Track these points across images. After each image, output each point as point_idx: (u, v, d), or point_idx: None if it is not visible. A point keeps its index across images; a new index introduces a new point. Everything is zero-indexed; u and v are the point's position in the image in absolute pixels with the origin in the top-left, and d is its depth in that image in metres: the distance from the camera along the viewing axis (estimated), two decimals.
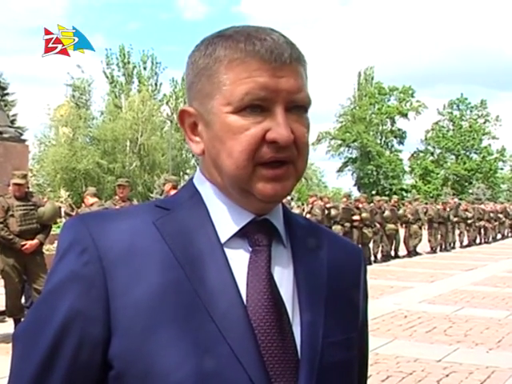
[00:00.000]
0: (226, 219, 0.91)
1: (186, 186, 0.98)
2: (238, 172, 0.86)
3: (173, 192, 8.75)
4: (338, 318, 0.94)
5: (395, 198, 20.47)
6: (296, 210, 15.04)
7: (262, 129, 0.85)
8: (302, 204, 22.10)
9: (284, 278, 0.92)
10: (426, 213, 20.08)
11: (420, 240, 19.16)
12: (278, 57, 0.86)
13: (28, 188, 8.22)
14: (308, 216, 13.69)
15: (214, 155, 0.89)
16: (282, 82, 0.86)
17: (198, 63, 0.90)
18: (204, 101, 0.89)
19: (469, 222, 23.43)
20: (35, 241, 7.12)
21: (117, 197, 9.42)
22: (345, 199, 16.89)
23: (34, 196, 7.75)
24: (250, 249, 0.91)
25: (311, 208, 15.01)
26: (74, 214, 18.92)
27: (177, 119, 0.96)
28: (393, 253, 17.85)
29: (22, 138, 15.28)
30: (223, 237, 0.90)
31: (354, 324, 0.99)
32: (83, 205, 10.28)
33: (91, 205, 8.92)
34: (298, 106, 0.88)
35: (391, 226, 17.33)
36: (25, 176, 7.56)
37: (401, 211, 18.69)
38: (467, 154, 65.20)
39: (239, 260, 0.89)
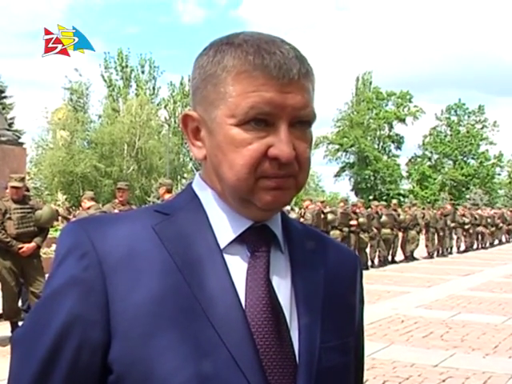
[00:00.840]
0: (225, 225, 0.91)
1: (185, 190, 0.98)
2: (239, 184, 0.87)
3: (167, 196, 8.75)
4: (334, 323, 0.95)
5: (395, 202, 20.46)
6: (293, 215, 14.99)
7: (264, 144, 0.85)
8: (300, 209, 22.07)
9: (282, 283, 0.92)
10: (423, 217, 20.09)
11: (417, 245, 19.16)
12: (286, 72, 0.85)
13: (28, 190, 8.23)
14: (301, 220, 13.69)
15: (216, 164, 0.90)
16: (289, 98, 0.86)
17: (206, 69, 0.90)
18: (208, 108, 0.89)
19: (466, 227, 23.45)
20: (32, 244, 7.11)
21: (116, 200, 9.44)
22: (342, 204, 16.90)
23: (31, 199, 7.75)
24: (249, 254, 0.91)
25: (304, 213, 15.02)
26: (71, 217, 18.91)
27: (179, 122, 0.96)
28: (390, 258, 17.85)
29: (20, 141, 15.24)
30: (222, 242, 0.90)
31: (351, 329, 1.00)
32: (80, 208, 10.28)
33: (88, 208, 8.91)
34: (302, 122, 0.89)
35: (387, 230, 17.32)
36: (22, 179, 7.55)
37: (401, 217, 18.62)
38: (464, 159, 65.30)
39: (238, 265, 0.90)
